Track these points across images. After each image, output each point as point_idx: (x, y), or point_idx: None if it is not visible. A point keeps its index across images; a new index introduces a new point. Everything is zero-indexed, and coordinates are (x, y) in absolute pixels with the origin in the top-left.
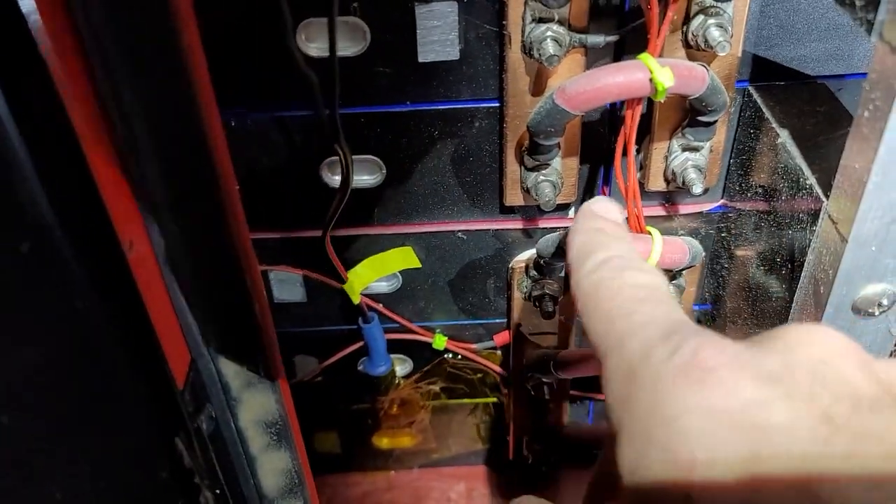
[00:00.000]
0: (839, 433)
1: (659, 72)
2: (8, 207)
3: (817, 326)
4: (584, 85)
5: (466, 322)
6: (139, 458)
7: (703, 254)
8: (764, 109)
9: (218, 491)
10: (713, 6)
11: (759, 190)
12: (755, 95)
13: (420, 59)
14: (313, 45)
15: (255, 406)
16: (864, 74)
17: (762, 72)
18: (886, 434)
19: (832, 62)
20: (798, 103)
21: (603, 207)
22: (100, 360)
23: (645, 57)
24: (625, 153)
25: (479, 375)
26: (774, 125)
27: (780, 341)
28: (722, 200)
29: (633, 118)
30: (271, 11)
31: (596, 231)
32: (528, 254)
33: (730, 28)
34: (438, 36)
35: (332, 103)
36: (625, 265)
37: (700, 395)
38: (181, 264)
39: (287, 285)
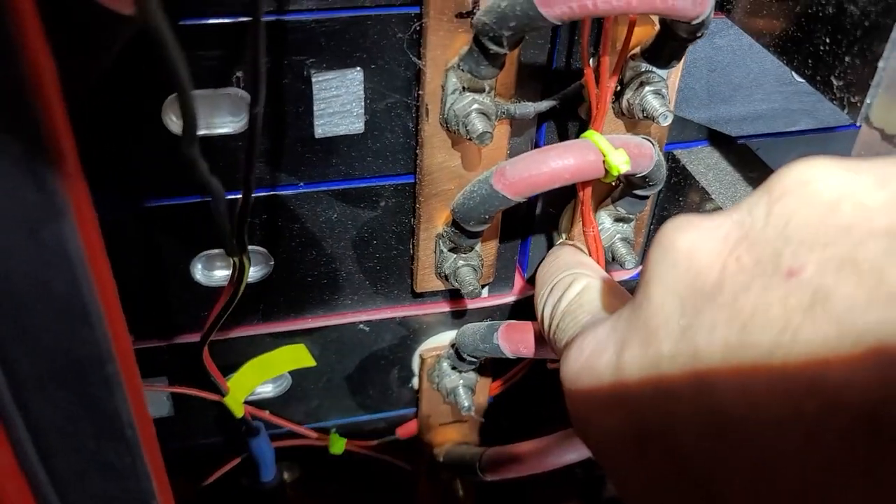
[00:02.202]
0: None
1: (612, 154)
2: None
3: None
4: (528, 169)
5: (366, 418)
6: None
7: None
8: (696, 177)
9: None
10: (648, 71)
11: None
12: (683, 161)
13: (317, 134)
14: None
15: None
16: (783, 134)
17: (682, 133)
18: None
19: (753, 122)
20: (728, 168)
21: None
22: None
23: (593, 135)
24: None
25: (379, 471)
26: (711, 194)
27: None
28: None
29: (586, 198)
30: (139, 88)
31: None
32: (439, 340)
33: (667, 95)
34: (339, 107)
35: (246, 203)
36: (559, 306)
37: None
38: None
39: (150, 398)
